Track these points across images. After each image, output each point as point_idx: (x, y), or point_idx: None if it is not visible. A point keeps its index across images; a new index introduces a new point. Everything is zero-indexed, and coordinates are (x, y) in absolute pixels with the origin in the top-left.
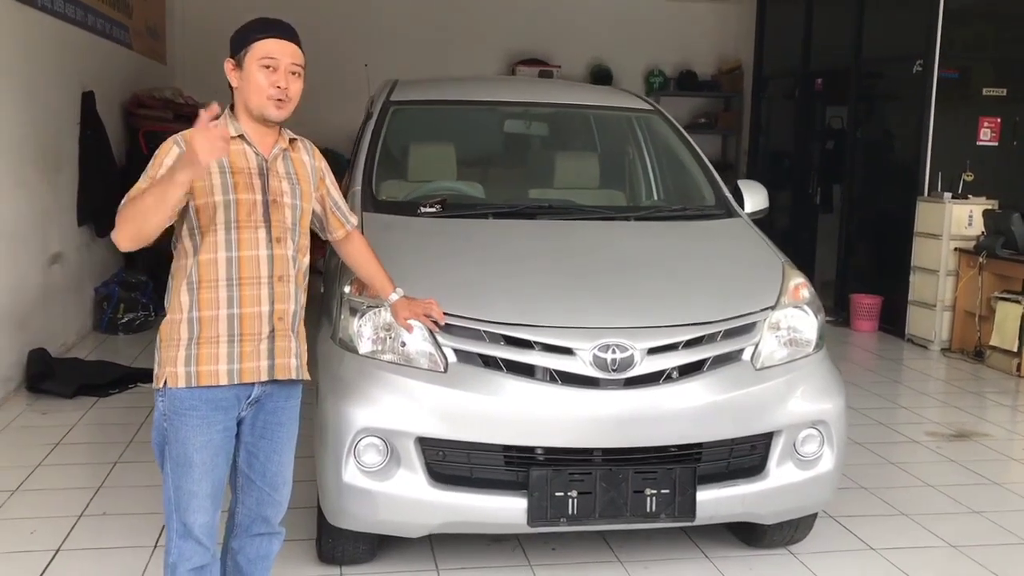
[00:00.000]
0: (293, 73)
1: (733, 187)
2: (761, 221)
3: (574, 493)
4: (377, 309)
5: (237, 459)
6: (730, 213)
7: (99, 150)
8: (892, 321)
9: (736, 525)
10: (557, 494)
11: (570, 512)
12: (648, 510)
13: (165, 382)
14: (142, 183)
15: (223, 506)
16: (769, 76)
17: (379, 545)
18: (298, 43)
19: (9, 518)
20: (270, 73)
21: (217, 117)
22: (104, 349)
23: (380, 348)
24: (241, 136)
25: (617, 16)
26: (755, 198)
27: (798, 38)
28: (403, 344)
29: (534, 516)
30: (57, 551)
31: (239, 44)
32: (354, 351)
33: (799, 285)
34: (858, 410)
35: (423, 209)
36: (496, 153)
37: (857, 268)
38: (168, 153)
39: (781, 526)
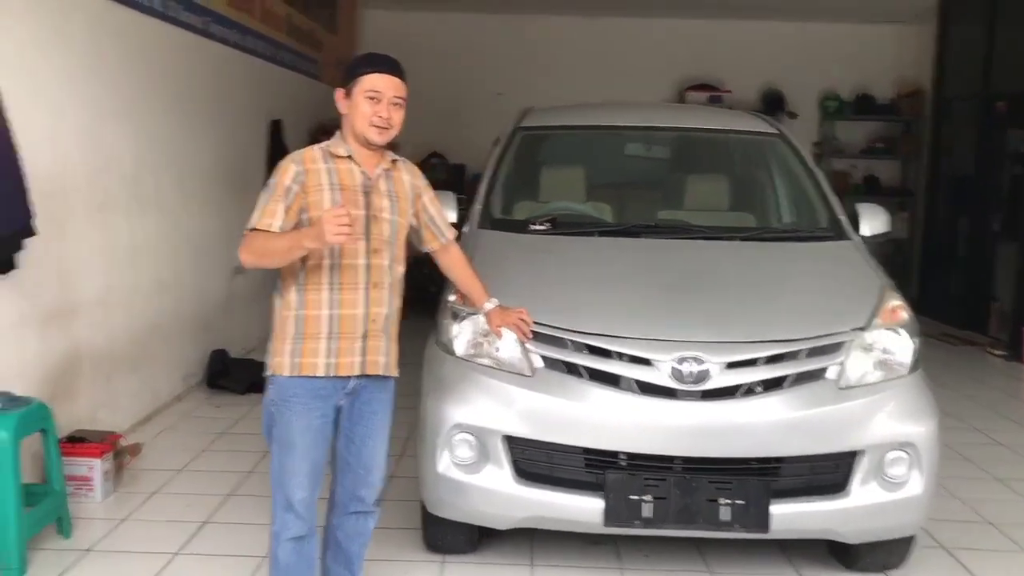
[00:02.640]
0: (395, 104)
1: (852, 210)
2: (937, 245)
3: (649, 497)
4: (476, 316)
5: (336, 444)
6: (841, 236)
7: None
8: None
9: (834, 546)
10: (632, 497)
11: (644, 515)
12: (721, 519)
13: (272, 371)
14: (271, 204)
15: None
16: (950, 99)
17: (480, 539)
18: (402, 77)
19: (171, 492)
20: (374, 104)
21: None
22: None
23: (476, 352)
24: (350, 156)
25: (791, 40)
26: (873, 222)
27: (981, 59)
28: (497, 349)
29: (610, 517)
30: (204, 523)
31: (349, 76)
32: (452, 353)
33: (896, 307)
34: (1006, 446)
35: (532, 227)
36: (618, 176)
37: None
38: (287, 173)
39: (874, 549)
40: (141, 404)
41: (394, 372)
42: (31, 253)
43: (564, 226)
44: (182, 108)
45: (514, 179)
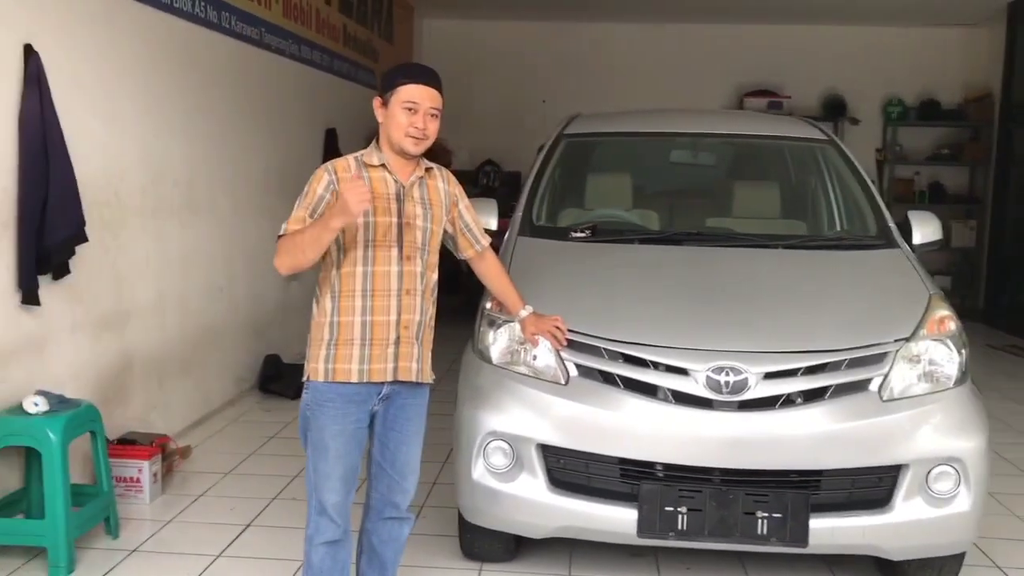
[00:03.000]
0: (431, 115)
1: (904, 218)
2: (1005, 254)
3: (684, 509)
4: (512, 323)
5: (371, 449)
6: (890, 244)
7: None
8: None
9: (881, 562)
10: (667, 509)
11: (679, 527)
12: (759, 532)
13: (308, 376)
14: (299, 211)
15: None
16: (1020, 103)
17: (518, 548)
18: (439, 88)
19: (217, 495)
20: (411, 115)
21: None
22: None
23: (512, 360)
24: (383, 165)
25: (854, 44)
26: (925, 229)
27: None
28: (534, 357)
29: (643, 528)
30: (248, 526)
31: (387, 86)
32: (488, 361)
33: (945, 318)
34: None
35: (573, 234)
36: (664, 184)
37: None
38: (319, 181)
39: (923, 567)
40: (193, 407)
41: (427, 379)
42: (85, 259)
43: (605, 233)
44: (236, 117)
45: (558, 186)
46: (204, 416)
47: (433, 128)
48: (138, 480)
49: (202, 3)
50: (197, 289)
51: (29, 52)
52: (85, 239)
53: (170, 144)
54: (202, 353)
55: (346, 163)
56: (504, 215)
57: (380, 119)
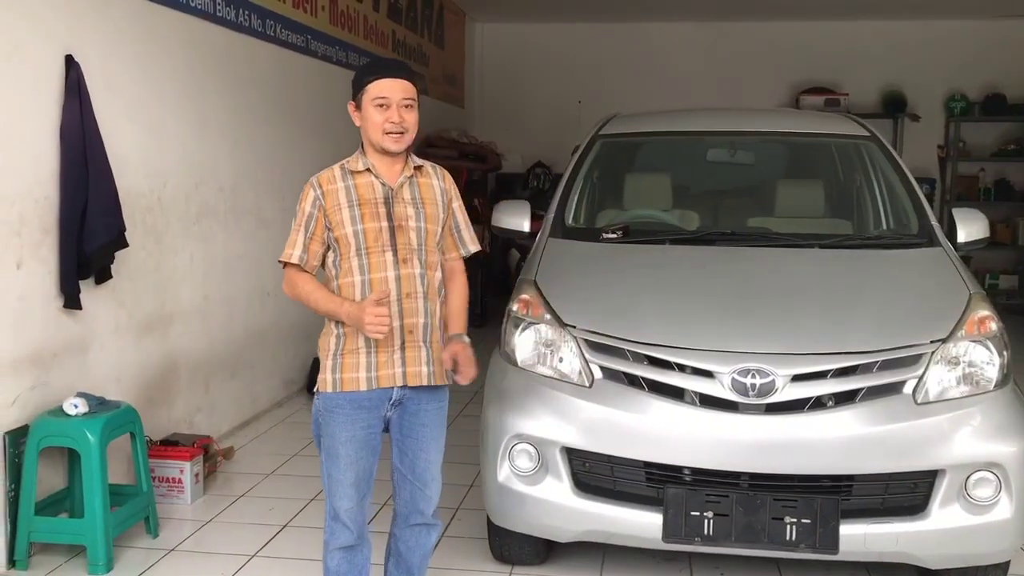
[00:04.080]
0: (407, 106)
1: (948, 216)
2: None
3: (710, 514)
4: (538, 325)
5: (392, 456)
6: (932, 243)
7: None
8: None
9: (922, 570)
10: (693, 513)
11: (705, 532)
12: (787, 538)
13: (318, 387)
14: (292, 234)
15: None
16: None
17: (550, 551)
18: (408, 77)
19: (258, 495)
20: (384, 111)
21: (382, 301)
22: None
23: (537, 362)
24: (368, 169)
25: (914, 38)
26: (970, 228)
27: None
28: (561, 360)
29: (669, 532)
30: (284, 527)
31: (356, 88)
32: (514, 363)
33: (985, 318)
34: None
35: (605, 235)
36: (702, 183)
37: None
38: (306, 198)
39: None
40: (240, 409)
41: (439, 381)
42: (128, 263)
43: (637, 235)
44: (282, 123)
45: (592, 187)
46: (251, 417)
47: (411, 119)
48: (180, 481)
49: (246, 12)
50: (244, 293)
51: (70, 63)
52: (125, 244)
53: (214, 150)
54: (249, 356)
55: (331, 173)
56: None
57: (356, 123)
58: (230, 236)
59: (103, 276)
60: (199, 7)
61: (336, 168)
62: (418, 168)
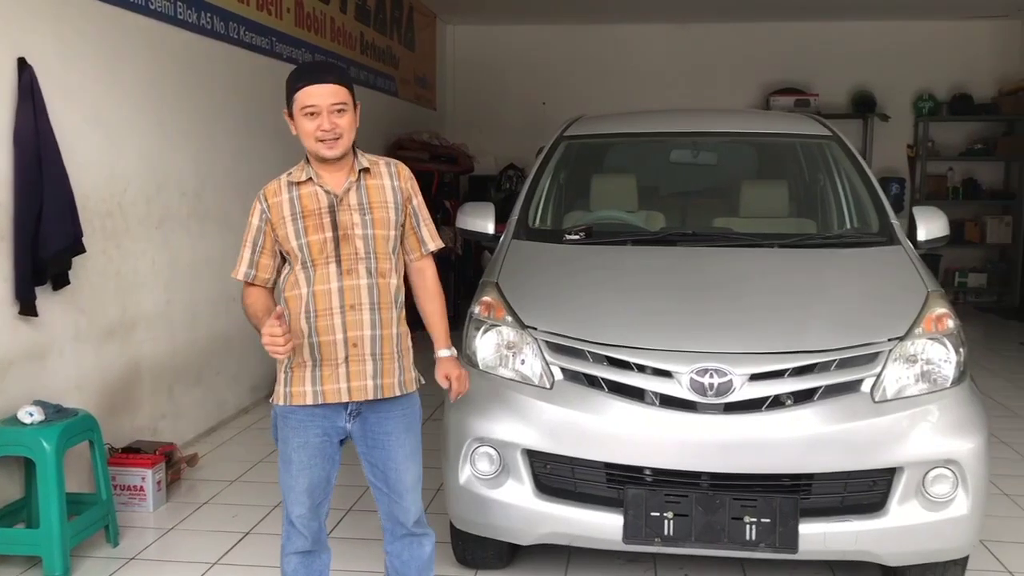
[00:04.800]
0: (339, 111)
1: (909, 214)
2: None
3: (670, 514)
4: (499, 327)
5: (365, 472)
6: (892, 241)
7: None
8: None
9: (886, 567)
10: (653, 514)
11: (666, 533)
12: (747, 538)
13: (272, 399)
14: (242, 249)
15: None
16: None
17: (514, 554)
18: (338, 80)
19: (221, 502)
20: (314, 119)
21: (280, 317)
22: None
23: (498, 364)
24: (310, 179)
25: (883, 40)
26: (929, 226)
27: None
28: (522, 362)
29: (629, 534)
30: (247, 534)
31: (287, 97)
32: (475, 366)
33: (942, 316)
34: None
35: (568, 237)
36: (666, 184)
37: None
38: (254, 212)
39: (924, 573)
40: (206, 415)
41: (390, 393)
42: (88, 269)
43: (600, 236)
44: (248, 126)
45: (556, 189)
46: (217, 424)
47: (345, 124)
48: (141, 488)
49: (208, 15)
50: (208, 298)
51: (23, 66)
52: (83, 250)
53: (177, 154)
54: (214, 362)
55: (276, 185)
56: None
57: (293, 132)
58: (194, 241)
59: (61, 282)
60: (159, 10)
61: (282, 179)
62: (366, 170)
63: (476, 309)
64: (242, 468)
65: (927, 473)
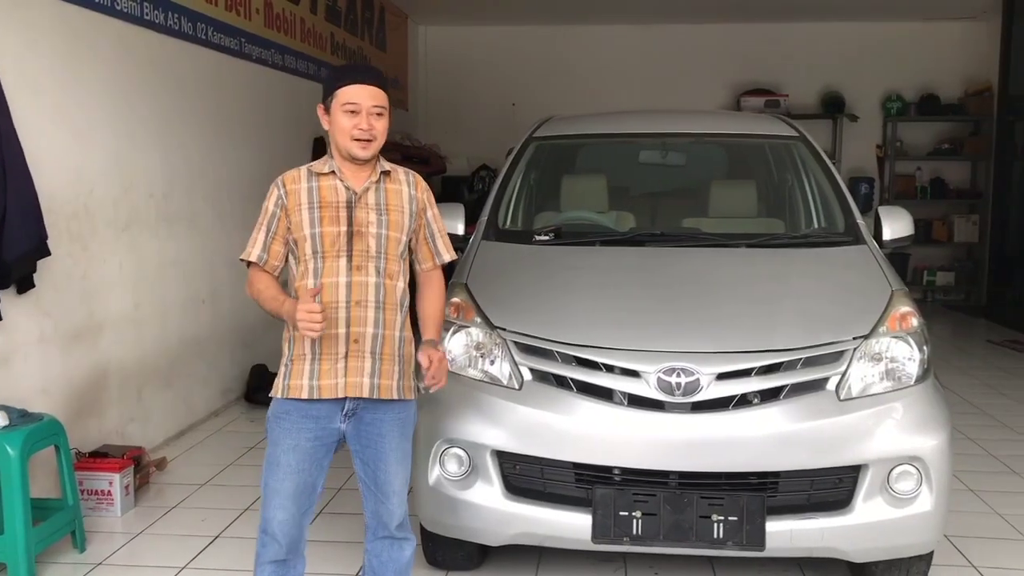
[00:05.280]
0: (377, 114)
1: (875, 213)
2: (1007, 249)
3: (638, 513)
4: (468, 328)
5: (355, 466)
6: (857, 240)
7: None
8: None
9: (852, 564)
10: (621, 513)
11: (634, 532)
12: (715, 536)
13: (272, 392)
14: (255, 232)
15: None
16: (1018, 96)
17: (485, 555)
18: (380, 85)
19: (190, 506)
20: (353, 116)
21: (317, 294)
22: None
23: (468, 365)
24: (333, 172)
25: (851, 41)
26: (895, 225)
27: None
28: (492, 362)
29: (598, 533)
30: (216, 538)
31: (327, 91)
32: None
33: (906, 314)
34: None
35: (537, 238)
36: (635, 185)
37: None
38: (270, 197)
39: (891, 568)
40: (175, 419)
41: (387, 395)
42: (54, 272)
43: (569, 236)
44: (218, 127)
45: (526, 190)
46: (187, 427)
47: (380, 127)
48: (109, 493)
49: (176, 15)
50: (178, 300)
51: None
52: (47, 253)
53: (144, 155)
54: (184, 365)
55: (296, 173)
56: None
57: (325, 126)
58: (162, 243)
59: (25, 285)
60: (125, 10)
61: (303, 169)
62: (387, 173)
63: (446, 310)
64: (212, 471)
65: (892, 470)
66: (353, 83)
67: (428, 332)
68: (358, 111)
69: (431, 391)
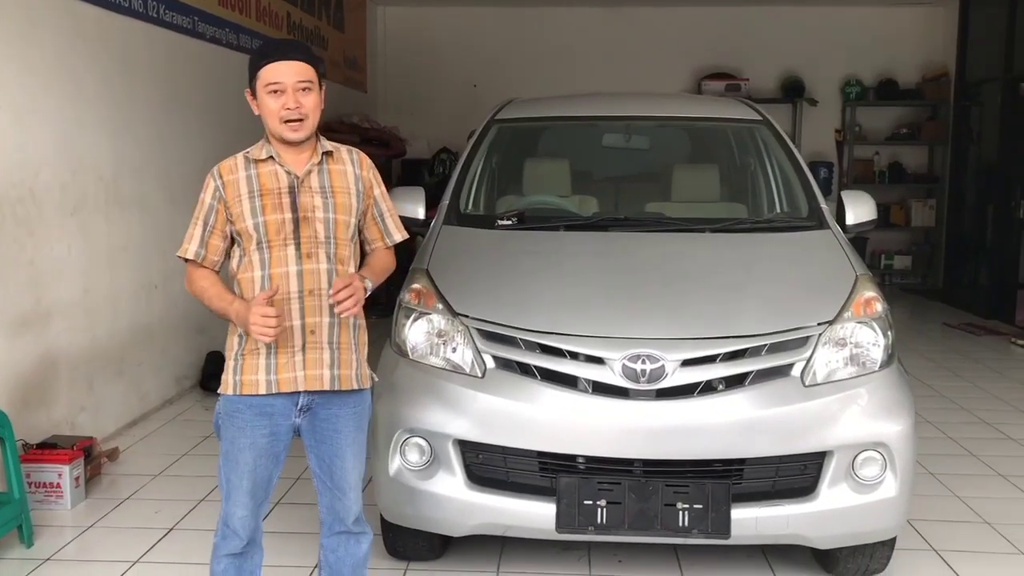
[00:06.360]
0: (304, 89)
1: (838, 198)
2: (963, 233)
3: (603, 502)
4: (430, 316)
5: (310, 462)
6: (821, 225)
7: None
8: None
9: (816, 550)
10: (586, 503)
11: (598, 521)
12: (680, 524)
13: (220, 388)
14: (191, 227)
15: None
16: (974, 82)
17: (446, 546)
18: (304, 58)
19: (144, 498)
20: (278, 97)
21: (271, 298)
22: None
23: (429, 352)
24: (271, 158)
25: (812, 25)
26: (858, 210)
27: (1003, 41)
28: (454, 350)
29: (562, 523)
30: (170, 530)
31: (251, 74)
32: (405, 355)
33: (871, 299)
34: (1017, 441)
35: (499, 222)
36: (597, 169)
37: None
38: (207, 189)
39: (854, 553)
40: (128, 407)
41: (347, 385)
42: None
43: (532, 221)
44: (170, 109)
45: (489, 173)
46: (140, 416)
47: (310, 104)
48: (58, 485)
49: None
50: (129, 286)
51: None
52: None
53: (92, 137)
54: (137, 352)
55: (233, 162)
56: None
57: (256, 112)
58: (112, 227)
59: None
60: None
61: (239, 157)
62: (328, 154)
63: (406, 297)
64: (166, 462)
65: (856, 456)
66: (273, 61)
67: (368, 272)
68: (283, 90)
69: (340, 313)
